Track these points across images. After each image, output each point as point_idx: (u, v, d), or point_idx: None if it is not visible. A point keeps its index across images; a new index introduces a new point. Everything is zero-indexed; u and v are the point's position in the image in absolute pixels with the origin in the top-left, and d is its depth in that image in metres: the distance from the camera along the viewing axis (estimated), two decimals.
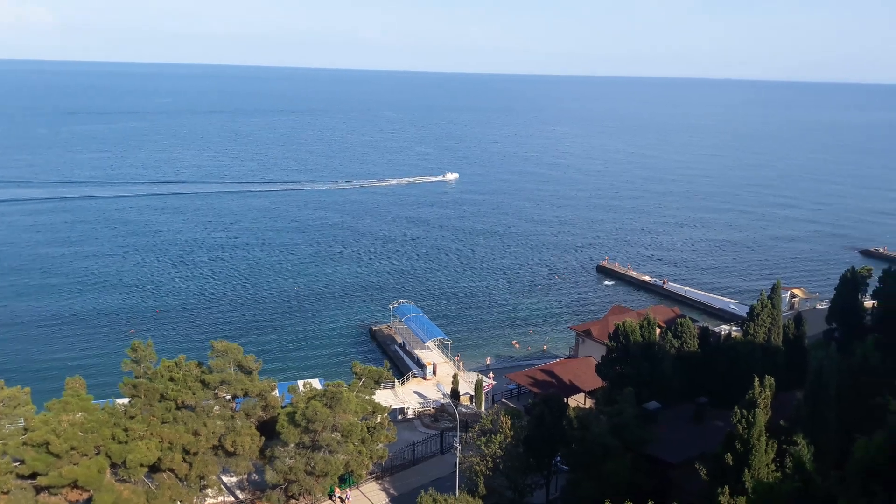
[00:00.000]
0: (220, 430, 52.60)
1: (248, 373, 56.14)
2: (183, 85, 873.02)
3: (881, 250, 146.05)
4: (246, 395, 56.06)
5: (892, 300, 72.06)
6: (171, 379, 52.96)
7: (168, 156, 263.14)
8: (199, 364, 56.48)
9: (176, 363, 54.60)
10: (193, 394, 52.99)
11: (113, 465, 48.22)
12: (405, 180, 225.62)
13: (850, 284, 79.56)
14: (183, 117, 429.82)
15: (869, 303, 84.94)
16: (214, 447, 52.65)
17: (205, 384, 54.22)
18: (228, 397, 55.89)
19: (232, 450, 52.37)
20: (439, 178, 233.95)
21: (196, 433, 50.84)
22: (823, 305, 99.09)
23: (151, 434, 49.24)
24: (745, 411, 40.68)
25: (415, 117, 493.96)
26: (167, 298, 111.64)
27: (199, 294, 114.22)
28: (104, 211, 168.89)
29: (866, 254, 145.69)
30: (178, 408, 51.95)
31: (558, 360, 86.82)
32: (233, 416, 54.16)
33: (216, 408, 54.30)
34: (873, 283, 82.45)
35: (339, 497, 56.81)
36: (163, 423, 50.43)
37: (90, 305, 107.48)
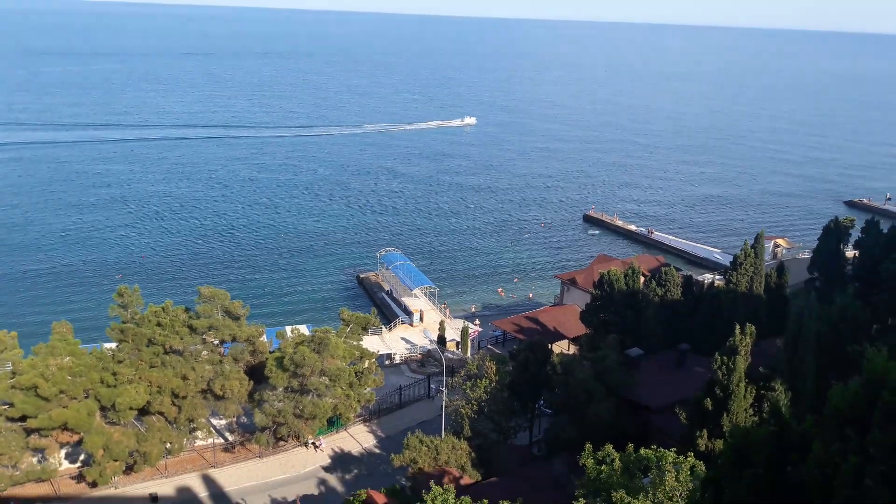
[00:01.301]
0: (208, 374, 53.18)
1: (236, 318, 56.44)
2: (160, 25, 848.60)
3: (865, 201, 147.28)
4: (234, 340, 56.49)
5: (872, 250, 73.04)
6: (159, 324, 53.18)
7: (151, 100, 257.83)
8: (187, 310, 56.67)
9: (163, 308, 54.75)
10: (181, 339, 53.34)
11: (102, 409, 48.76)
12: (396, 127, 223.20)
13: (833, 235, 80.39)
14: (163, 59, 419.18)
15: (850, 253, 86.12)
16: (203, 391, 53.31)
17: (192, 329, 54.52)
18: (216, 342, 56.31)
19: (221, 393, 53.05)
20: (457, 122, 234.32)
21: (185, 377, 51.37)
22: (806, 255, 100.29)
23: (140, 378, 49.70)
24: (725, 358, 41.60)
25: (399, 62, 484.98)
26: (153, 246, 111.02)
27: (186, 241, 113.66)
28: (86, 157, 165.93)
29: (850, 205, 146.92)
30: (166, 352, 52.34)
31: (543, 307, 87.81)
32: (221, 361, 54.68)
33: (204, 353, 54.76)
34: (856, 233, 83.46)
35: (313, 443, 57.50)
36: (151, 367, 50.87)
37: (74, 253, 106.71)
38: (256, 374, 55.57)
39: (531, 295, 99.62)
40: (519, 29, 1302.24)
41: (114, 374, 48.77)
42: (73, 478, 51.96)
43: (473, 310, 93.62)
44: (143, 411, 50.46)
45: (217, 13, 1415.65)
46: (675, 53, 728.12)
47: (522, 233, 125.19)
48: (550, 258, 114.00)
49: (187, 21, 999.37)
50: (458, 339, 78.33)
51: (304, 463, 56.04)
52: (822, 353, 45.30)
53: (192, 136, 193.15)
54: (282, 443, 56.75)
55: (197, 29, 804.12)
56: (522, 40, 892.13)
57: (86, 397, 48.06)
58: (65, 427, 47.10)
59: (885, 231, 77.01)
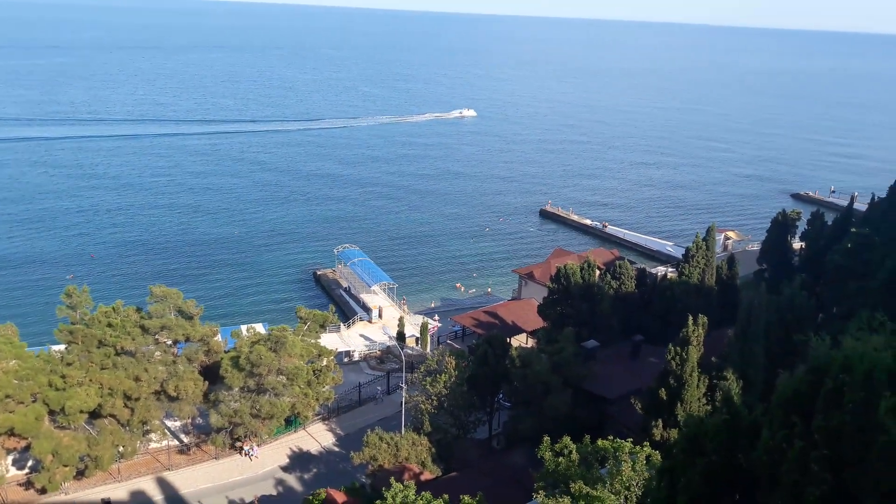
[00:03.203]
0: (161, 375, 52.11)
1: (189, 318, 55.42)
2: (110, 18, 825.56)
3: (811, 194, 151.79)
4: (188, 340, 55.45)
5: (817, 242, 75.43)
6: (110, 325, 51.89)
7: (100, 94, 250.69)
8: (138, 310, 55.42)
9: (114, 309, 53.45)
10: (133, 339, 52.14)
11: (51, 413, 47.38)
12: (353, 122, 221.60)
13: (781, 227, 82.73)
14: (113, 53, 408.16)
15: (797, 244, 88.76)
16: (157, 392, 52.22)
17: (144, 330, 53.35)
18: (170, 343, 55.20)
19: (175, 394, 52.03)
20: (455, 114, 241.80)
21: (137, 378, 50.25)
22: (755, 247, 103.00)
23: (90, 380, 48.43)
24: (678, 348, 42.52)
25: (357, 56, 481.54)
26: (103, 244, 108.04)
27: (137, 240, 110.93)
28: (33, 153, 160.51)
29: (797, 197, 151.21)
30: (117, 354, 51.08)
31: (502, 301, 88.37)
32: (174, 362, 53.64)
33: (157, 353, 53.64)
34: (802, 225, 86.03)
35: (246, 451, 55.66)
36: (102, 369, 49.59)
37: (19, 252, 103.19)
38: (211, 374, 54.64)
39: (489, 290, 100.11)
40: (477, 25, 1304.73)
41: (62, 376, 47.42)
42: (20, 485, 50.41)
43: (433, 305, 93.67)
44: (95, 414, 49.17)
45: (180, 6, 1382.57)
46: (637, 50, 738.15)
47: (481, 228, 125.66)
48: (508, 252, 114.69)
49: (145, 13, 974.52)
50: (418, 335, 78.29)
51: (262, 463, 55.39)
52: (771, 342, 46.61)
53: (143, 133, 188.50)
54: (239, 443, 55.97)
55: (153, 22, 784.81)
56: (479, 36, 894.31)
57: (33, 401, 46.64)
58: (11, 432, 45.64)
59: (830, 223, 79.64)
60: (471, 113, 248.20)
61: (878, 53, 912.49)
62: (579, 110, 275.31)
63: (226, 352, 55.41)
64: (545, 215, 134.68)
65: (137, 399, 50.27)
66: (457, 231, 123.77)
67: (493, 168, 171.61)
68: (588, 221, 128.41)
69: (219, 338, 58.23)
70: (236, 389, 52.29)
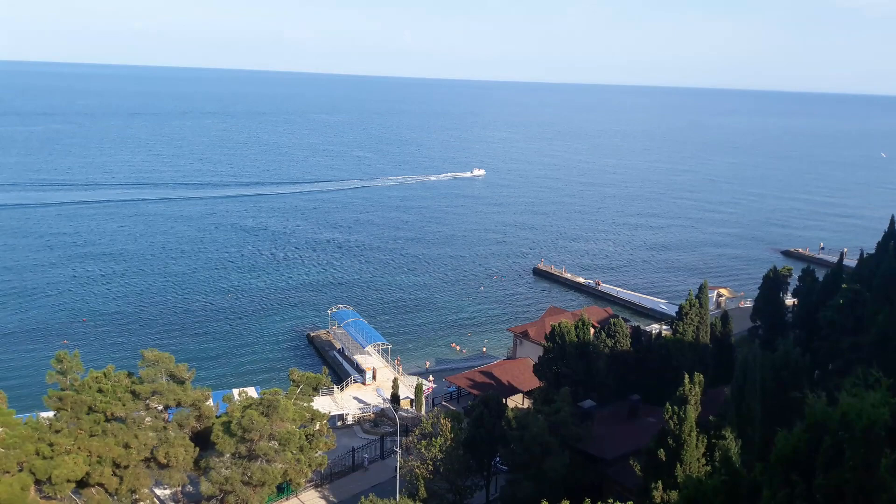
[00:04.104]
0: (152, 441, 51.07)
1: (181, 382, 54.71)
2: (105, 86, 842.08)
3: (801, 251, 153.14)
4: (179, 405, 54.58)
5: (810, 298, 75.75)
6: (100, 390, 51.15)
7: (94, 160, 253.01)
8: (130, 374, 54.72)
9: (104, 374, 52.76)
10: (123, 405, 51.31)
11: (38, 482, 46.19)
12: (349, 183, 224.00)
13: (772, 284, 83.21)
14: (108, 119, 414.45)
15: (790, 301, 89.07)
16: (146, 459, 51.09)
17: (135, 395, 52.56)
18: (160, 408, 54.32)
19: (165, 462, 50.90)
20: (467, 174, 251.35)
21: (127, 446, 49.22)
22: (748, 304, 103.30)
23: (79, 448, 47.41)
24: (676, 408, 42.15)
25: (351, 120, 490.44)
26: (96, 309, 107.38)
27: (130, 304, 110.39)
28: (29, 219, 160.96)
29: (787, 254, 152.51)
30: (107, 420, 50.18)
31: (497, 361, 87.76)
32: (165, 427, 52.66)
33: (148, 419, 52.71)
34: (794, 282, 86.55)
35: None
36: (91, 436, 48.61)
37: (11, 317, 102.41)
38: (202, 440, 53.60)
39: (484, 349, 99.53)
40: (459, 89, 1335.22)
41: (50, 444, 46.43)
42: None
43: (427, 366, 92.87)
44: (82, 483, 47.95)
45: (171, 74, 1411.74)
46: (623, 113, 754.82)
47: (475, 287, 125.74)
48: (502, 311, 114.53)
49: (138, 80, 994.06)
50: (412, 397, 77.39)
51: None
52: (768, 399, 46.26)
53: (137, 198, 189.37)
54: None
55: (148, 89, 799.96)
56: (466, 100, 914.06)
57: (20, 470, 45.51)
58: None
59: (821, 279, 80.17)
60: (480, 172, 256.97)
61: (860, 113, 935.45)
62: (568, 171, 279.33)
63: (217, 417, 54.52)
64: (539, 274, 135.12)
65: (126, 467, 49.14)
66: (451, 290, 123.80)
67: (486, 228, 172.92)
68: (581, 279, 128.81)
69: (210, 402, 57.35)
70: (227, 455, 51.22)
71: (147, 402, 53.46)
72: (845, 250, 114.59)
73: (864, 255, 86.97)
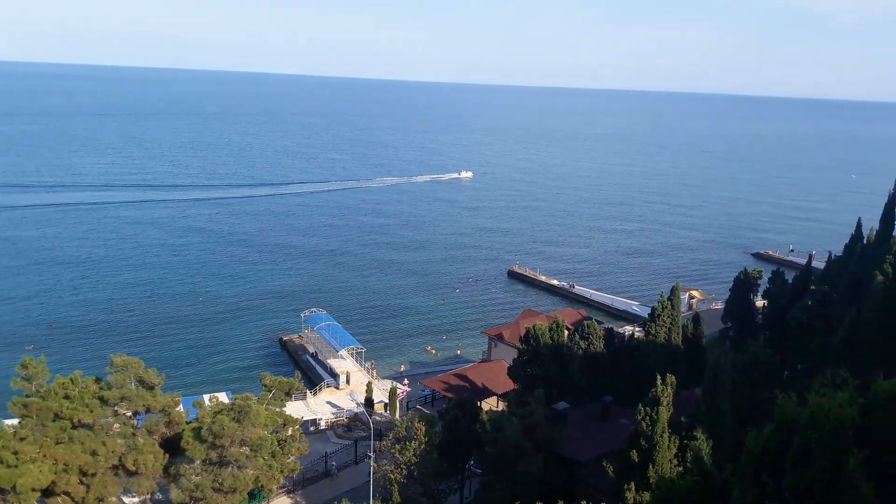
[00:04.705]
0: (120, 448, 50.07)
1: (150, 388, 53.74)
2: (75, 86, 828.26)
3: (771, 253, 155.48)
4: (148, 411, 53.59)
5: (779, 300, 76.82)
6: (67, 396, 50.03)
7: (65, 162, 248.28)
8: (97, 380, 53.63)
9: (71, 380, 51.64)
10: (91, 411, 50.22)
11: (1, 491, 45.01)
12: (324, 186, 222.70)
13: (743, 286, 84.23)
14: (78, 120, 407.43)
15: (760, 302, 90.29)
16: (114, 467, 50.06)
17: (103, 401, 51.49)
18: (129, 414, 53.28)
19: (133, 469, 49.92)
20: (454, 175, 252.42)
21: (94, 453, 48.17)
22: (719, 306, 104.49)
23: (44, 456, 46.29)
24: (648, 409, 42.37)
25: (327, 122, 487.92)
26: (63, 314, 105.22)
27: (98, 309, 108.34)
28: None
29: (757, 256, 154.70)
30: (74, 427, 49.07)
31: (471, 364, 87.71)
32: (134, 434, 51.67)
33: (116, 425, 51.66)
34: (764, 283, 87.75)
35: None
36: (57, 443, 47.50)
37: None
38: (172, 446, 52.68)
39: (459, 352, 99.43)
40: (435, 92, 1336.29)
41: (15, 452, 45.24)
42: None
43: (402, 369, 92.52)
44: (48, 492, 46.80)
45: (144, 74, 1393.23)
46: (597, 116, 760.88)
47: (450, 290, 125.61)
48: (477, 314, 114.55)
49: (110, 82, 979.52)
50: (387, 401, 76.95)
51: None
52: (738, 400, 46.76)
53: (108, 201, 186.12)
54: None
55: (121, 90, 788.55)
56: (442, 103, 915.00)
57: None
58: None
59: (790, 281, 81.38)
60: (468, 175, 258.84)
61: (830, 117, 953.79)
62: (544, 174, 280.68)
63: (188, 422, 53.63)
64: (514, 276, 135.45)
65: (94, 475, 48.09)
66: (426, 294, 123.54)
67: (461, 231, 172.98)
68: (555, 282, 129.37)
69: (180, 408, 56.42)
70: (198, 462, 50.38)
71: (115, 408, 52.40)
72: (814, 252, 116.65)
73: (832, 258, 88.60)
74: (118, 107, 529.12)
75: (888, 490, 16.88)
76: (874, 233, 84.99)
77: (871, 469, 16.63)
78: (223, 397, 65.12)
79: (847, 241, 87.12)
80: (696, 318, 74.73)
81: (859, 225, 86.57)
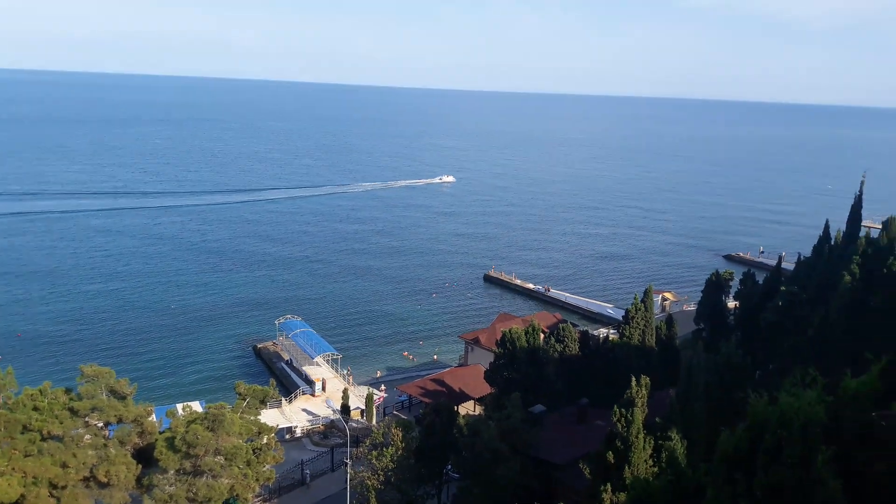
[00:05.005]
0: (91, 460, 49.19)
1: (122, 398, 52.89)
2: (42, 92, 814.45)
3: (741, 255, 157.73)
4: (120, 421, 52.74)
5: (750, 301, 77.94)
6: (36, 408, 49.05)
7: (32, 169, 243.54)
8: (68, 391, 52.67)
9: (40, 391, 50.64)
10: (61, 423, 49.30)
11: None
12: (298, 192, 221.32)
13: (715, 287, 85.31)
14: (45, 127, 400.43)
15: (732, 303, 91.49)
16: (86, 479, 49.17)
17: (74, 412, 50.56)
18: (100, 425, 52.39)
19: (105, 480, 49.06)
20: (436, 179, 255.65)
21: (64, 465, 47.28)
22: (691, 307, 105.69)
23: (13, 469, 45.32)
24: (623, 410, 42.66)
25: (301, 128, 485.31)
26: (31, 324, 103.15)
27: (68, 318, 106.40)
28: None
29: (729, 258, 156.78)
30: (43, 439, 48.12)
31: (448, 368, 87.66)
32: (105, 445, 50.80)
33: (87, 437, 50.74)
34: (735, 285, 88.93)
35: None
36: (26, 455, 46.54)
37: None
38: (145, 456, 51.89)
39: (436, 356, 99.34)
40: (408, 97, 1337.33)
41: None
42: None
43: (378, 375, 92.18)
44: None
45: (113, 81, 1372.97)
46: (570, 121, 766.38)
47: (426, 295, 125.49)
48: (454, 318, 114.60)
49: (78, 88, 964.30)
50: (363, 407, 76.59)
51: None
52: (711, 400, 47.29)
53: (77, 209, 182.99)
54: None
55: (89, 96, 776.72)
56: (416, 108, 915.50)
57: None
58: None
59: (761, 282, 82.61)
60: (449, 179, 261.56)
61: (799, 121, 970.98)
62: (519, 179, 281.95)
63: (161, 432, 52.89)
64: (490, 280, 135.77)
65: (64, 487, 47.17)
66: (403, 299, 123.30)
67: (437, 236, 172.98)
68: (531, 285, 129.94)
69: (153, 418, 55.63)
70: (171, 472, 49.67)
71: (86, 419, 51.49)
72: (783, 254, 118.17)
73: (801, 259, 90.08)
74: (87, 114, 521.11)
75: (855, 487, 17.19)
76: (841, 234, 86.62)
77: (839, 466, 16.92)
78: (197, 406, 64.27)
79: (815, 243, 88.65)
80: (670, 320, 75.52)
81: (827, 226, 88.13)
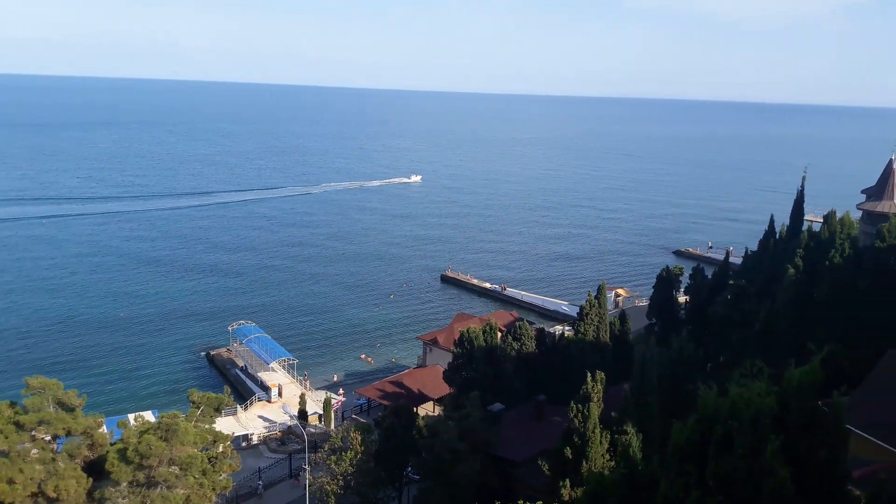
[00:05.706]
0: (39, 475, 47.63)
1: (71, 410, 51.33)
2: None
3: (691, 250, 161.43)
4: (69, 434, 51.21)
5: (700, 295, 79.86)
6: None
7: None
8: (12, 404, 50.86)
9: None
10: (6, 438, 47.60)
11: None
12: (250, 195, 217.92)
13: (666, 282, 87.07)
14: None
15: (682, 298, 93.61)
16: (34, 494, 47.58)
17: (19, 426, 48.87)
18: (48, 438, 50.77)
19: (54, 495, 47.56)
20: (403, 179, 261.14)
21: (11, 481, 45.71)
22: (644, 303, 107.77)
23: None
24: (580, 406, 43.30)
25: (252, 130, 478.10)
26: None
27: (11, 328, 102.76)
28: None
29: (679, 254, 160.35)
30: None
31: (407, 370, 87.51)
32: (54, 459, 49.26)
33: (34, 451, 49.12)
34: (685, 280, 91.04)
35: None
36: None
37: None
38: (96, 469, 50.45)
39: (394, 359, 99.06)
40: (359, 98, 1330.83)
41: None
42: None
43: (336, 379, 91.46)
44: None
45: (55, 83, 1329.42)
46: (521, 121, 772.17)
47: (383, 296, 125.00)
48: (412, 319, 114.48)
49: (12, 91, 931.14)
50: (321, 412, 75.93)
51: None
52: (665, 394, 48.35)
53: (18, 216, 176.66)
54: None
55: (30, 99, 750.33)
56: (367, 108, 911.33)
57: None
58: None
59: (709, 277, 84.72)
60: (417, 179, 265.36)
61: (738, 119, 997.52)
62: (472, 180, 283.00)
63: (112, 444, 51.52)
64: (447, 280, 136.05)
65: None
66: (359, 301, 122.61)
67: (392, 238, 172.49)
68: (487, 284, 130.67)
69: (104, 429, 54.13)
70: (124, 485, 48.42)
71: (33, 432, 49.82)
72: (731, 248, 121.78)
73: (748, 253, 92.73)
74: (22, 117, 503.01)
75: (802, 474, 17.80)
76: (785, 228, 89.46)
77: (787, 455, 17.49)
78: (149, 416, 62.80)
79: (761, 237, 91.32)
80: (623, 316, 76.83)
81: (772, 221, 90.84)
